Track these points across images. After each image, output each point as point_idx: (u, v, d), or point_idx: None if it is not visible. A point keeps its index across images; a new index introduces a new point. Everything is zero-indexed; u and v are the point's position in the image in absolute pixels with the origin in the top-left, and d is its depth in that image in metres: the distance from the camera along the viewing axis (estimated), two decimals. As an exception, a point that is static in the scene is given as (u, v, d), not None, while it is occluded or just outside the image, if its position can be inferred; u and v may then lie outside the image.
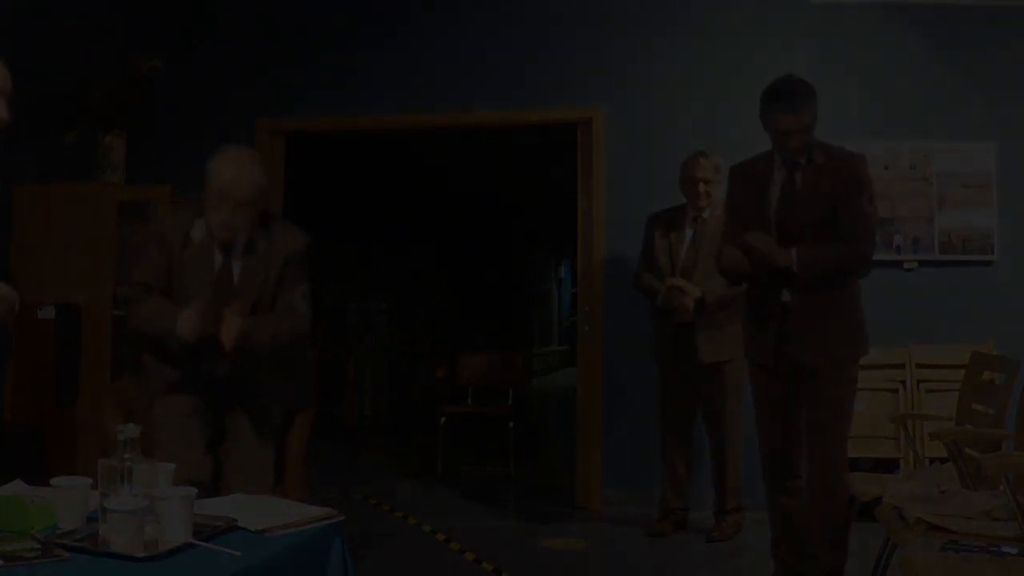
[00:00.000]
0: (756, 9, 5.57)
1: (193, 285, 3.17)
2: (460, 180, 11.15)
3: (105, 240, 4.81)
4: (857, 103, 5.42)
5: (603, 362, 5.61)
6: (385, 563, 4.54)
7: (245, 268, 3.23)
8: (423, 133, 7.20)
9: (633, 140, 5.59)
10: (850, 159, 3.56)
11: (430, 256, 13.48)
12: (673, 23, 5.62)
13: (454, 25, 5.83)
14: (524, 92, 5.71)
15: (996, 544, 3.00)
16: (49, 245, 4.71)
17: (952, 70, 5.46)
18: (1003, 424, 3.61)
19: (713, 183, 4.84)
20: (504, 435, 6.90)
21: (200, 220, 3.21)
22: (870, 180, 3.57)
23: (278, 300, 3.25)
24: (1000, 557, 3.07)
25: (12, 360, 3.40)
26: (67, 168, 5.03)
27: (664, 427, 5.01)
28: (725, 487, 4.90)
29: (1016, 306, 5.31)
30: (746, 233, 3.49)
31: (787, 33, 5.53)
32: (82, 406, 4.57)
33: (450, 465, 6.94)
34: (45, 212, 4.75)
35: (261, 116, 5.85)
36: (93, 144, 5.15)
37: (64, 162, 5.03)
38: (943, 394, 5.07)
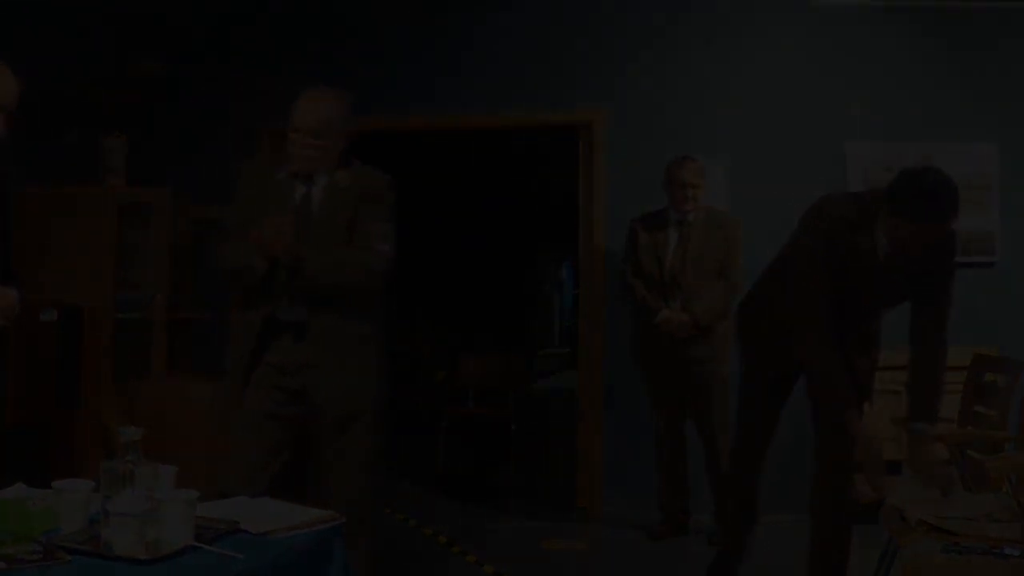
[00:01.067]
0: (756, 9, 5.56)
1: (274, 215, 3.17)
2: (460, 181, 11.15)
3: (106, 242, 4.80)
4: (858, 104, 5.41)
5: (603, 363, 5.61)
6: (386, 566, 4.54)
7: (325, 200, 3.26)
8: (423, 135, 7.19)
9: (634, 142, 5.58)
10: (948, 238, 3.24)
11: (430, 257, 13.46)
12: (673, 25, 5.60)
13: (454, 28, 5.82)
14: (524, 95, 5.69)
15: (998, 546, 3.00)
16: (50, 247, 4.71)
17: (953, 71, 5.46)
18: (1005, 426, 3.62)
19: (700, 188, 4.86)
20: (505, 437, 6.89)
21: (287, 163, 3.31)
22: None
23: (355, 235, 3.25)
24: (1002, 559, 3.07)
25: (13, 362, 3.40)
26: (68, 170, 5.02)
27: (657, 428, 5.01)
28: (725, 488, 4.90)
29: (1018, 308, 5.30)
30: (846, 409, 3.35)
31: (787, 33, 5.53)
32: (83, 408, 4.57)
33: (450, 467, 6.94)
34: (46, 214, 4.74)
35: (262, 118, 5.84)
36: (94, 146, 5.14)
37: (65, 164, 5.02)
38: (945, 396, 5.05)
